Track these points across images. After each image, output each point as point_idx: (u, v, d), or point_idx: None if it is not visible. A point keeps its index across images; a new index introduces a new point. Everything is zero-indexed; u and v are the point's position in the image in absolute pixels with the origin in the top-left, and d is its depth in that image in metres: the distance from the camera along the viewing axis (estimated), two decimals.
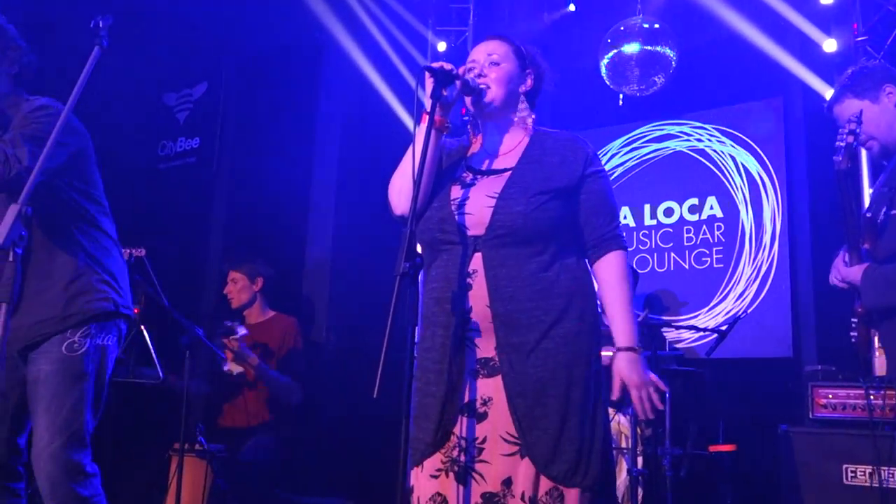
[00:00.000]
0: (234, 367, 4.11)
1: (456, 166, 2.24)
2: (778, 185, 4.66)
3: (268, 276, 4.42)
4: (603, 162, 5.20)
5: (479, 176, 2.18)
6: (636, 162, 5.14)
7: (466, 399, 2.06)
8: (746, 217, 4.72)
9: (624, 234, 2.17)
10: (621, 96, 4.87)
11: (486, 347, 2.07)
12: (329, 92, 5.40)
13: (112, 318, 2.55)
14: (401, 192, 2.16)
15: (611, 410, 3.98)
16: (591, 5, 5.16)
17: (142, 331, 3.79)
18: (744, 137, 4.84)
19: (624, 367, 2.08)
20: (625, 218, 5.11)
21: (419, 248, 2.12)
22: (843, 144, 2.37)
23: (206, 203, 5.54)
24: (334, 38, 5.15)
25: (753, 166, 4.77)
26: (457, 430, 2.04)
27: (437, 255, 2.14)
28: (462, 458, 2.02)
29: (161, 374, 3.96)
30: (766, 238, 4.63)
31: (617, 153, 5.21)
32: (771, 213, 4.65)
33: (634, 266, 4.86)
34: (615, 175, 5.18)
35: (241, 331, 4.02)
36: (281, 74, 5.49)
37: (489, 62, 2.19)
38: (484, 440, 2.02)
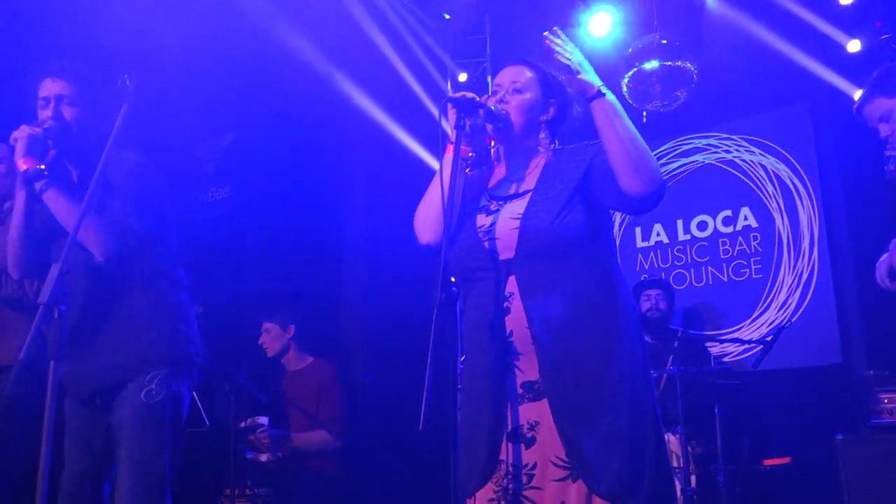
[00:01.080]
0: (270, 456, 4.09)
1: (478, 195, 2.25)
2: (812, 189, 4.59)
3: (300, 322, 4.43)
4: None
5: (502, 202, 2.18)
6: (665, 178, 5.08)
7: (512, 426, 2.03)
8: (782, 225, 4.65)
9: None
10: (645, 114, 4.86)
11: (529, 371, 2.05)
12: (354, 134, 5.46)
13: (187, 365, 2.58)
14: (425, 221, 2.18)
15: None
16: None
17: None
18: (773, 145, 4.79)
19: None
20: (658, 235, 5.06)
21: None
22: (894, 153, 2.36)
23: (238, 251, 5.59)
24: (355, 78, 5.22)
25: (785, 173, 4.71)
26: (505, 457, 2.02)
27: (471, 285, 2.14)
28: (514, 485, 1.99)
29: (206, 421, 3.98)
30: (805, 244, 4.55)
31: None
32: (807, 219, 4.57)
33: (672, 282, 4.80)
34: None
35: (263, 420, 4.01)
36: (305, 118, 5.56)
37: (513, 88, 2.20)
38: (534, 466, 1.99)
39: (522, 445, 2.01)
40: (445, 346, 1.89)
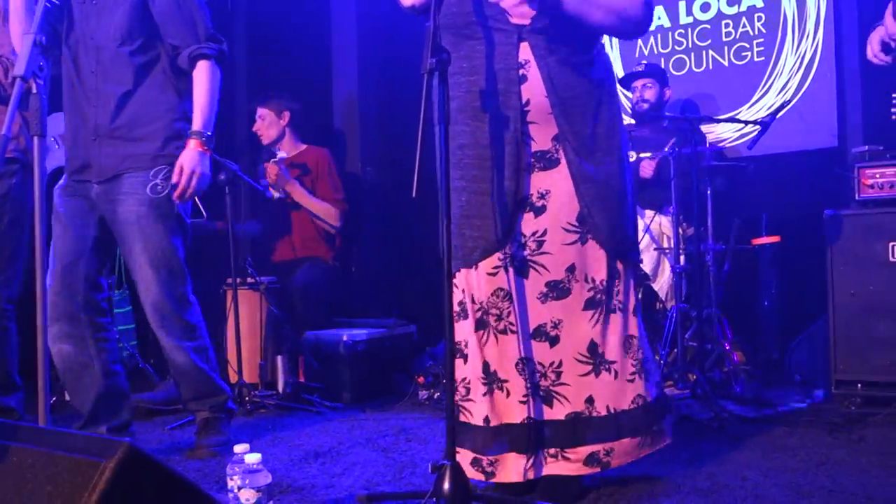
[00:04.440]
0: (274, 192, 4.20)
1: None
2: None
3: (294, 109, 4.41)
4: None
5: None
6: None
7: (524, 193, 2.07)
8: (788, 3, 4.46)
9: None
10: None
11: (540, 140, 2.05)
12: None
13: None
14: None
15: (650, 212, 3.97)
16: None
17: None
18: None
19: None
20: (659, 18, 4.87)
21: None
22: None
23: (226, 41, 5.39)
24: None
25: None
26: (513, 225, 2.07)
27: (462, 42, 2.06)
28: (520, 252, 2.05)
29: (205, 213, 4.03)
30: (810, 24, 4.40)
31: None
32: None
33: (671, 69, 4.68)
34: None
35: (281, 153, 4.13)
36: None
37: None
38: (544, 232, 2.05)
39: (532, 214, 2.05)
40: (436, 112, 1.87)
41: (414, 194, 1.81)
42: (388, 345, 4.07)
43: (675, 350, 3.45)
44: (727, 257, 3.90)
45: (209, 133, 2.64)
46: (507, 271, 2.05)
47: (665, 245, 3.94)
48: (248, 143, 4.82)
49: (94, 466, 1.22)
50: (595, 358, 2.06)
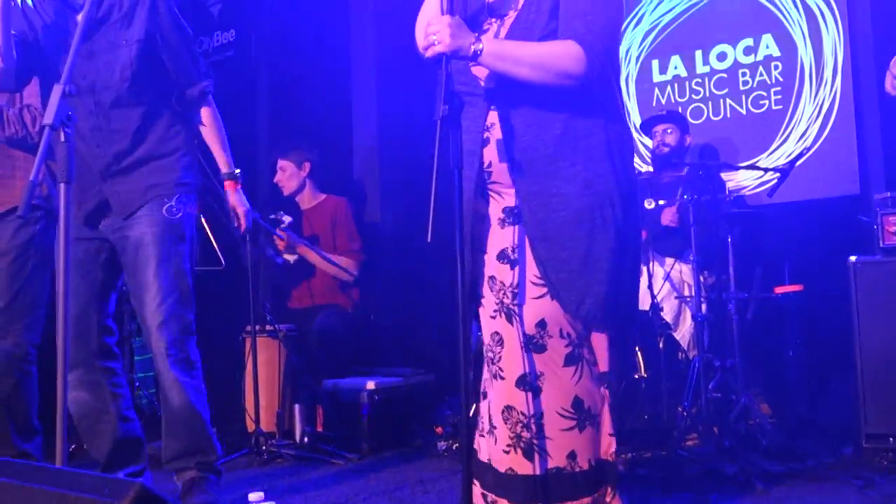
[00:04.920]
0: (289, 257, 4.22)
1: (480, 9, 2.16)
2: (838, 13, 4.37)
3: (314, 160, 4.46)
4: (649, 10, 5.00)
5: (494, 20, 2.13)
6: (685, 7, 4.87)
7: (501, 247, 2.11)
8: (805, 52, 4.47)
9: (599, 44, 1.98)
10: None
11: (509, 198, 2.11)
12: None
13: (198, 192, 2.76)
14: (420, 27, 2.12)
15: (670, 260, 3.94)
16: None
17: (200, 219, 3.86)
18: None
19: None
20: (675, 68, 4.90)
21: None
22: None
23: (249, 95, 5.51)
24: None
25: None
26: (498, 275, 2.10)
27: (464, 106, 2.10)
28: (506, 300, 2.09)
29: (223, 261, 4.06)
30: (828, 72, 4.40)
31: (662, 1, 4.96)
32: (832, 45, 4.39)
33: (689, 117, 4.69)
34: (662, 24, 4.94)
35: (287, 219, 4.11)
36: None
37: None
38: (518, 285, 2.08)
39: (508, 266, 2.09)
40: (449, 159, 1.88)
41: (429, 239, 1.82)
42: (407, 394, 4.03)
43: (699, 402, 3.38)
44: (750, 306, 3.84)
45: (238, 170, 2.81)
46: (500, 316, 2.09)
47: (686, 293, 3.90)
48: (270, 192, 4.86)
49: None
50: (580, 413, 2.03)
